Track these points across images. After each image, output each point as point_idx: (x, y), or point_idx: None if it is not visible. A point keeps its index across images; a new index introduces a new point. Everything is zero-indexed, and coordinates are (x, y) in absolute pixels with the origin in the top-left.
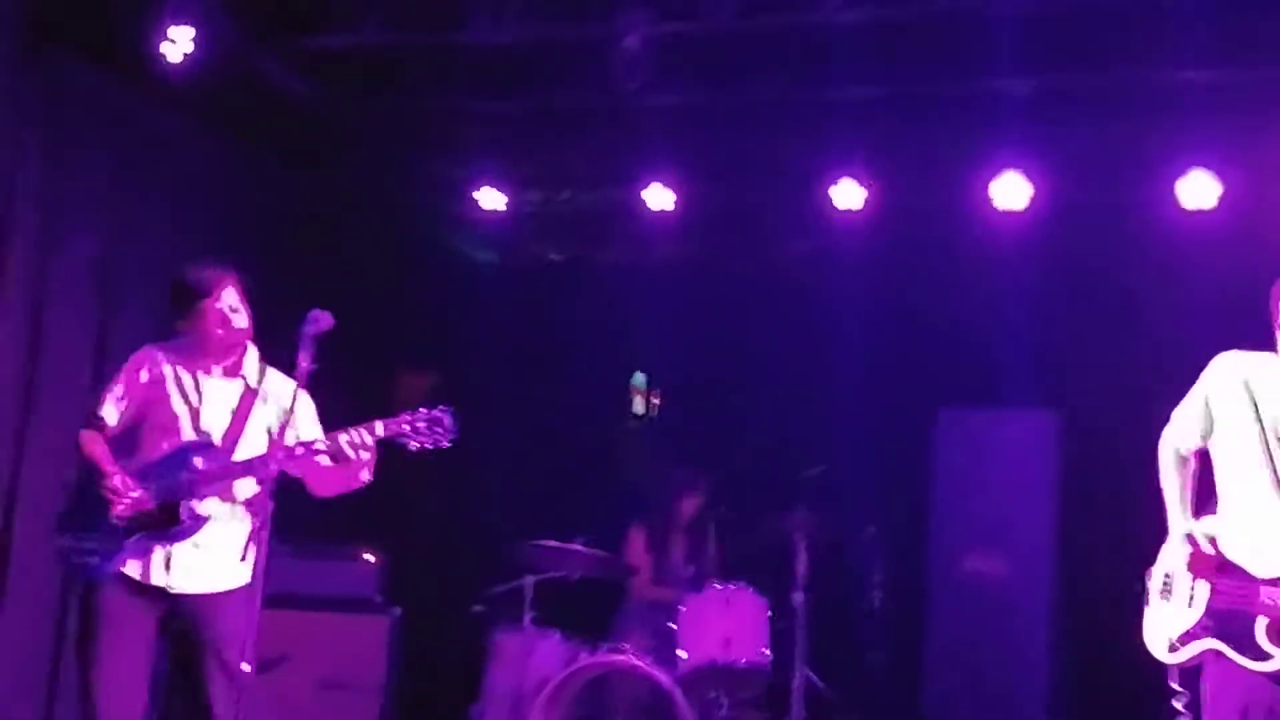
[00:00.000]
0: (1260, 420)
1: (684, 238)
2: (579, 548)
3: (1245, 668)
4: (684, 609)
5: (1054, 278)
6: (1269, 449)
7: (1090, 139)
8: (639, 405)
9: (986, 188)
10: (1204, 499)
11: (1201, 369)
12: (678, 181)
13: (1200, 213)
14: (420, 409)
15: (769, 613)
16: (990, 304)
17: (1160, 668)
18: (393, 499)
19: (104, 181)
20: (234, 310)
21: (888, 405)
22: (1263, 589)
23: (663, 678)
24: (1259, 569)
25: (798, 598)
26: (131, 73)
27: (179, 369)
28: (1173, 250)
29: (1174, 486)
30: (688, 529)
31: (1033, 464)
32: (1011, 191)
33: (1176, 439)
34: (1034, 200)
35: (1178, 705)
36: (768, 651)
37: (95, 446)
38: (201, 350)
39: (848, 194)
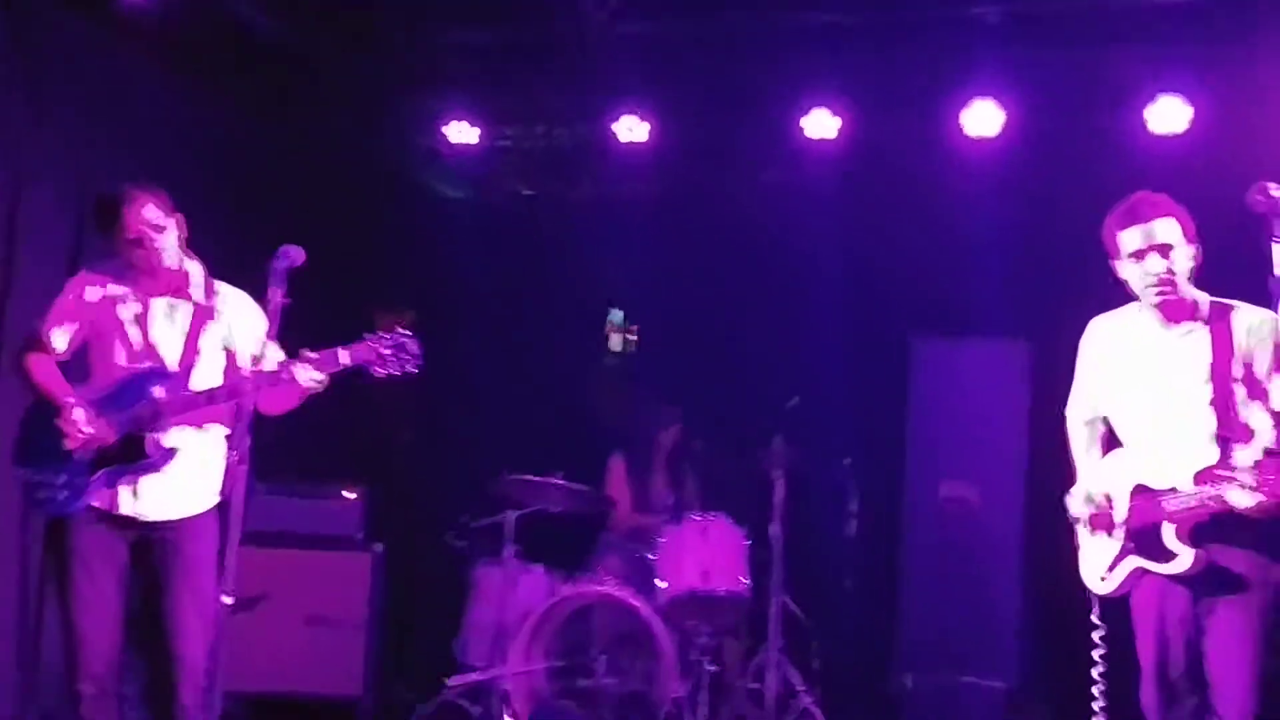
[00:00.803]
0: (1139, 368)
1: (657, 171)
2: (559, 481)
3: (1160, 577)
4: (663, 540)
5: (1026, 206)
6: (1152, 388)
7: (1061, 65)
8: (615, 343)
9: (958, 115)
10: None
11: None
12: (650, 113)
13: (1171, 138)
14: (381, 335)
15: (747, 542)
16: (963, 233)
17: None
18: (373, 436)
19: (72, 121)
20: (154, 228)
21: (862, 336)
22: (1163, 499)
23: (643, 608)
24: (1160, 483)
25: (775, 528)
26: (98, 12)
27: (121, 291)
28: (1143, 177)
29: (1079, 445)
30: (667, 461)
31: (1005, 393)
32: (983, 119)
33: (1075, 408)
34: (1006, 127)
35: (1096, 638)
36: (746, 580)
37: (47, 373)
38: (136, 271)
39: (820, 124)
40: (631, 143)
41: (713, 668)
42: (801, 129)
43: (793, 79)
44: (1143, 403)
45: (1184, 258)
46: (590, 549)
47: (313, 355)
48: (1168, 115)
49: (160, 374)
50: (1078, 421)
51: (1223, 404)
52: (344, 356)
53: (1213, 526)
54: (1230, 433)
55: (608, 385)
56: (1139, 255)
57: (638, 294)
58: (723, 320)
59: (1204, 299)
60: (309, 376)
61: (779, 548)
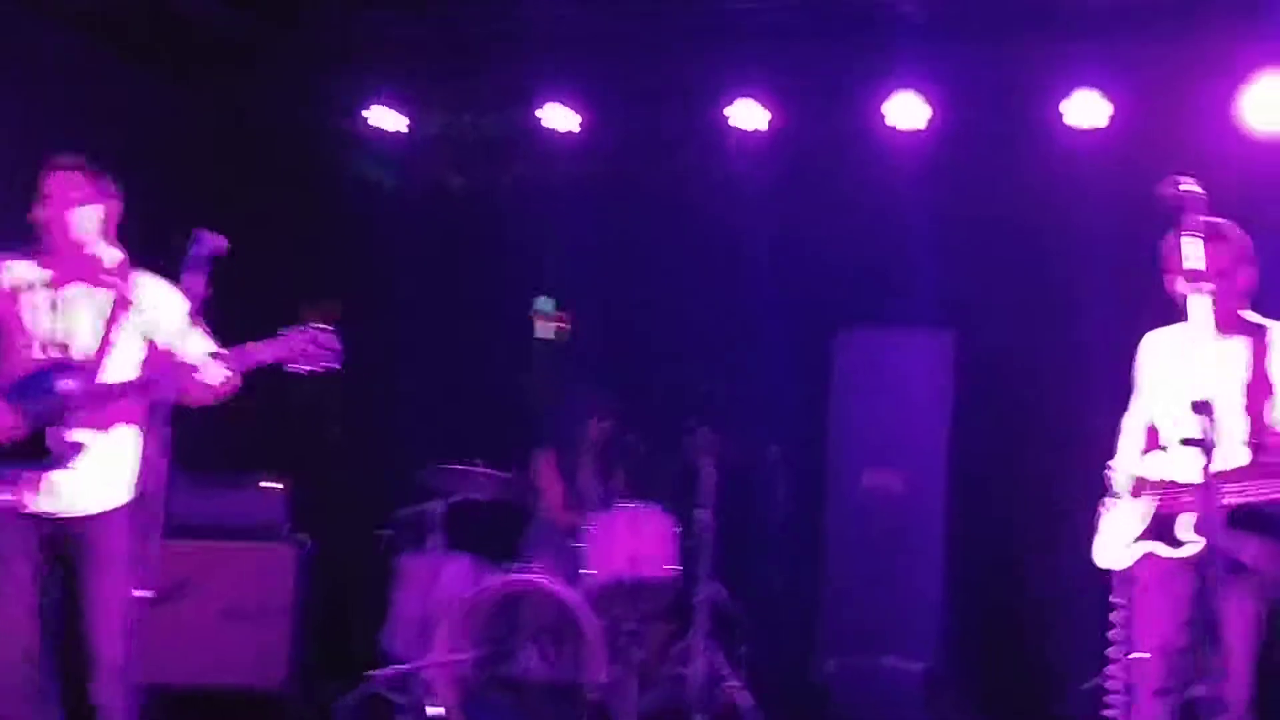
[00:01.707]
0: (1176, 382)
1: (586, 159)
2: (487, 470)
3: (1168, 560)
4: (592, 528)
5: (950, 198)
6: (1189, 393)
7: (985, 59)
8: (544, 330)
9: (883, 108)
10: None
11: (1092, 289)
12: (579, 101)
13: (1090, 132)
14: (298, 330)
15: (677, 530)
16: (888, 224)
17: (1047, 578)
18: (299, 426)
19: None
20: (69, 202)
21: (789, 324)
22: (1182, 494)
23: (569, 595)
24: (1182, 479)
25: (703, 516)
26: None
27: (35, 275)
28: (1064, 170)
29: (1126, 443)
30: (597, 452)
31: (928, 383)
32: (907, 111)
33: (1131, 416)
34: (930, 120)
35: (1116, 606)
36: (674, 568)
37: None
38: (55, 252)
39: (747, 114)
40: (562, 131)
41: (640, 654)
42: (728, 119)
43: (721, 69)
44: (1183, 409)
45: (1231, 282)
46: (518, 538)
47: (224, 352)
48: (1087, 109)
49: (67, 366)
50: (1131, 425)
51: (1255, 412)
52: (258, 353)
53: (1216, 518)
54: (1260, 439)
55: (537, 374)
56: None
57: (567, 282)
58: (651, 309)
59: (1251, 316)
60: (221, 373)
61: (707, 535)
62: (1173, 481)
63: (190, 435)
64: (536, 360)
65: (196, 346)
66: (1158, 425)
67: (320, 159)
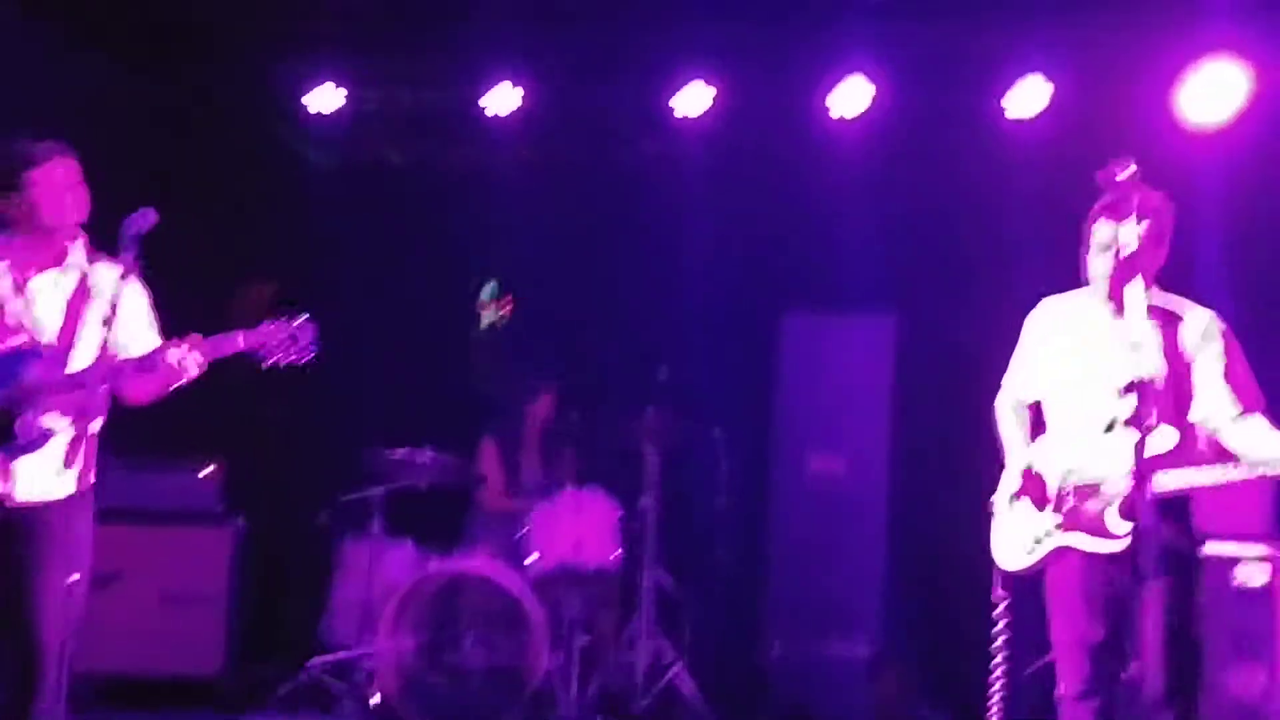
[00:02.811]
0: (1084, 354)
1: (528, 140)
2: (429, 455)
3: (1089, 556)
4: (535, 514)
5: (893, 182)
6: (1086, 372)
7: (928, 41)
8: (488, 314)
9: (827, 91)
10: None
11: (1030, 271)
12: (522, 81)
13: (1031, 120)
14: (278, 321)
15: (620, 514)
16: (831, 208)
17: (989, 561)
18: (235, 408)
19: None
20: (70, 188)
21: (733, 309)
22: (1104, 481)
23: (512, 582)
24: (1093, 470)
25: (647, 500)
26: None
27: (4, 264)
28: (1004, 154)
29: (1014, 429)
30: (540, 437)
31: (870, 366)
32: (851, 95)
33: (1014, 391)
34: (874, 103)
35: (1002, 608)
36: (619, 553)
37: None
38: (23, 237)
39: (691, 97)
40: (505, 111)
41: (584, 640)
42: (672, 103)
43: (665, 50)
44: (1083, 387)
45: (1145, 257)
46: (460, 524)
47: (200, 339)
48: (1029, 94)
49: (34, 353)
50: (1010, 402)
51: (1167, 393)
52: (232, 343)
53: (1150, 505)
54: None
55: (479, 358)
56: (1105, 247)
57: (509, 265)
58: (595, 292)
59: (1162, 298)
60: (194, 361)
61: (651, 519)
62: (1081, 470)
63: (122, 417)
64: (479, 344)
65: (149, 341)
66: (1051, 405)
67: (258, 136)
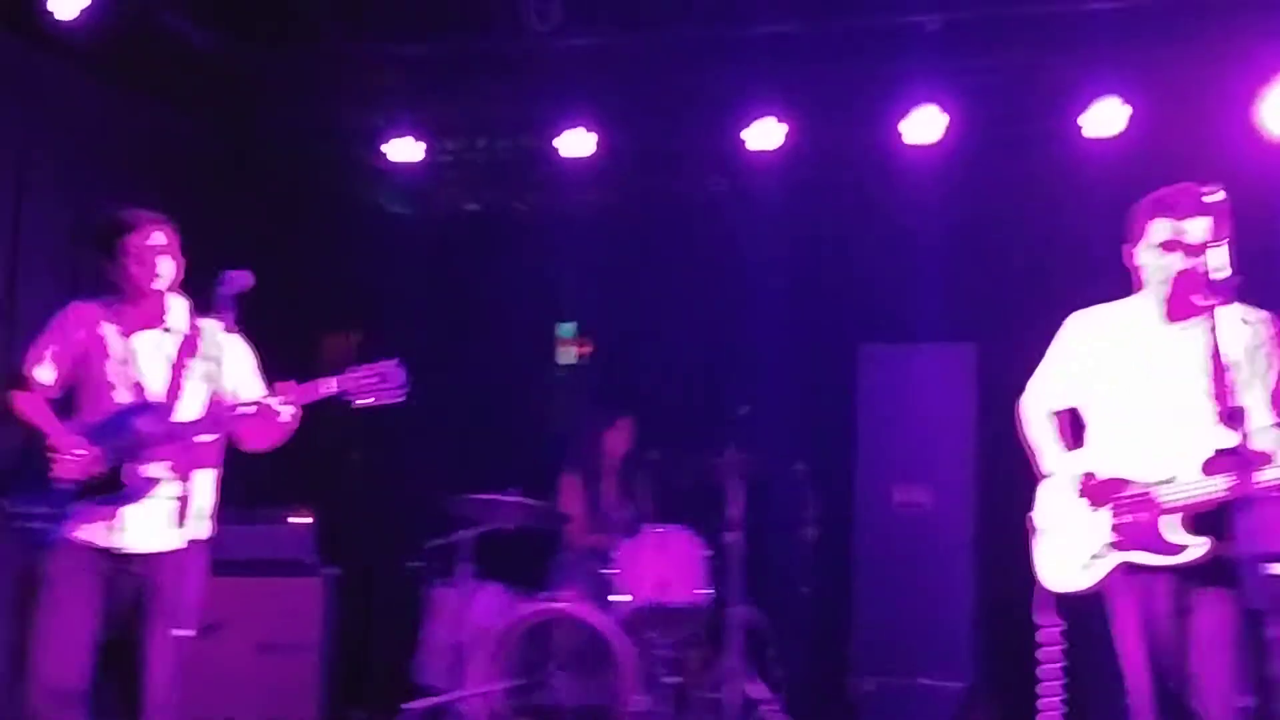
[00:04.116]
0: (1130, 361)
1: (603, 182)
2: (513, 498)
3: (1144, 571)
4: (621, 552)
5: (969, 210)
6: (1144, 382)
7: (1001, 71)
8: (566, 356)
9: (899, 123)
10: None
11: (1110, 294)
12: (595, 125)
13: (1109, 141)
14: (368, 364)
15: (705, 552)
16: (907, 239)
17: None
18: (322, 458)
19: (5, 143)
20: (160, 253)
21: (810, 342)
22: (1159, 490)
23: (601, 621)
24: (1148, 475)
25: (732, 537)
26: (28, 30)
27: (108, 324)
28: (1082, 178)
29: (1047, 435)
30: (620, 473)
31: (951, 396)
32: (924, 125)
33: (1044, 399)
34: (947, 133)
35: (1057, 634)
36: (705, 590)
37: (34, 406)
38: (127, 300)
39: (764, 133)
40: (577, 155)
41: (674, 679)
42: (745, 139)
43: (736, 89)
44: (1134, 396)
45: (1208, 259)
46: (547, 565)
47: (292, 385)
48: (1104, 118)
49: (145, 407)
50: (1042, 411)
51: (1221, 397)
52: (326, 387)
53: (1212, 515)
54: (1230, 424)
55: (560, 398)
56: (1167, 247)
57: (586, 306)
58: (672, 330)
59: (1206, 301)
60: (287, 409)
61: (737, 556)
62: (1128, 481)
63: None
64: (559, 385)
65: (256, 390)
66: (1096, 413)
67: (335, 189)
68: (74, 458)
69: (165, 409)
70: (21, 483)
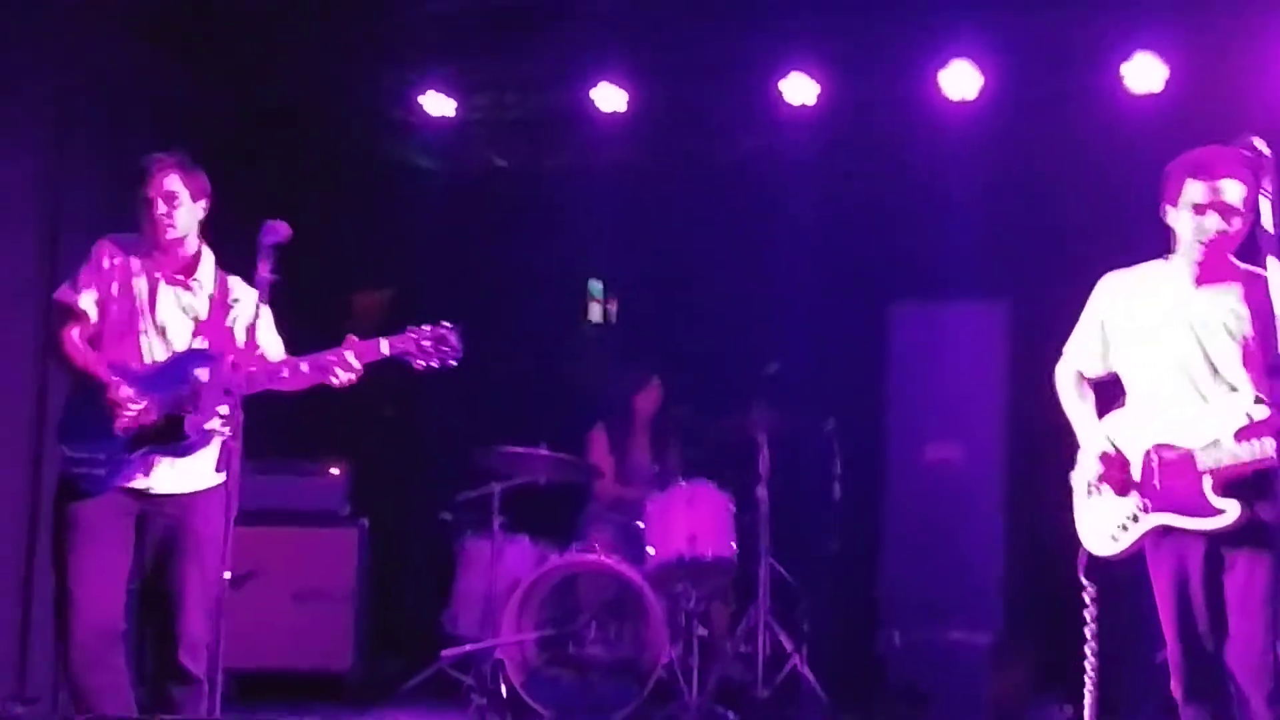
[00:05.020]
0: (1163, 323)
1: (633, 138)
2: (543, 452)
3: (1180, 534)
4: (650, 507)
5: (1003, 167)
6: (1175, 346)
7: (1038, 25)
8: (595, 313)
9: (935, 78)
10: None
11: (1145, 253)
12: (625, 81)
13: (1146, 97)
14: (426, 326)
15: (733, 507)
16: (939, 196)
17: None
18: (354, 411)
19: (43, 99)
20: (167, 197)
21: (841, 300)
22: (1198, 454)
23: (631, 574)
24: (1185, 441)
25: (760, 492)
26: None
27: (137, 267)
28: (1118, 136)
29: (1083, 403)
30: (649, 428)
31: (983, 354)
32: (960, 81)
33: (1078, 364)
34: (983, 89)
35: (1087, 598)
36: (733, 545)
37: (84, 351)
38: (155, 247)
39: (798, 88)
40: (609, 111)
41: (702, 632)
42: (779, 94)
43: (770, 44)
44: (1166, 359)
45: (1240, 222)
46: (576, 518)
47: (356, 342)
48: (1144, 73)
49: (205, 356)
50: (1074, 376)
51: (1255, 362)
52: (385, 348)
53: (1252, 478)
54: (1263, 391)
55: (589, 354)
56: (1200, 209)
57: (616, 263)
58: (702, 287)
59: (1238, 263)
60: (350, 365)
61: (765, 511)
62: (1169, 445)
63: (250, 422)
64: (589, 342)
65: (273, 347)
66: (1133, 377)
67: (367, 145)
68: (131, 412)
69: (222, 360)
70: (79, 429)
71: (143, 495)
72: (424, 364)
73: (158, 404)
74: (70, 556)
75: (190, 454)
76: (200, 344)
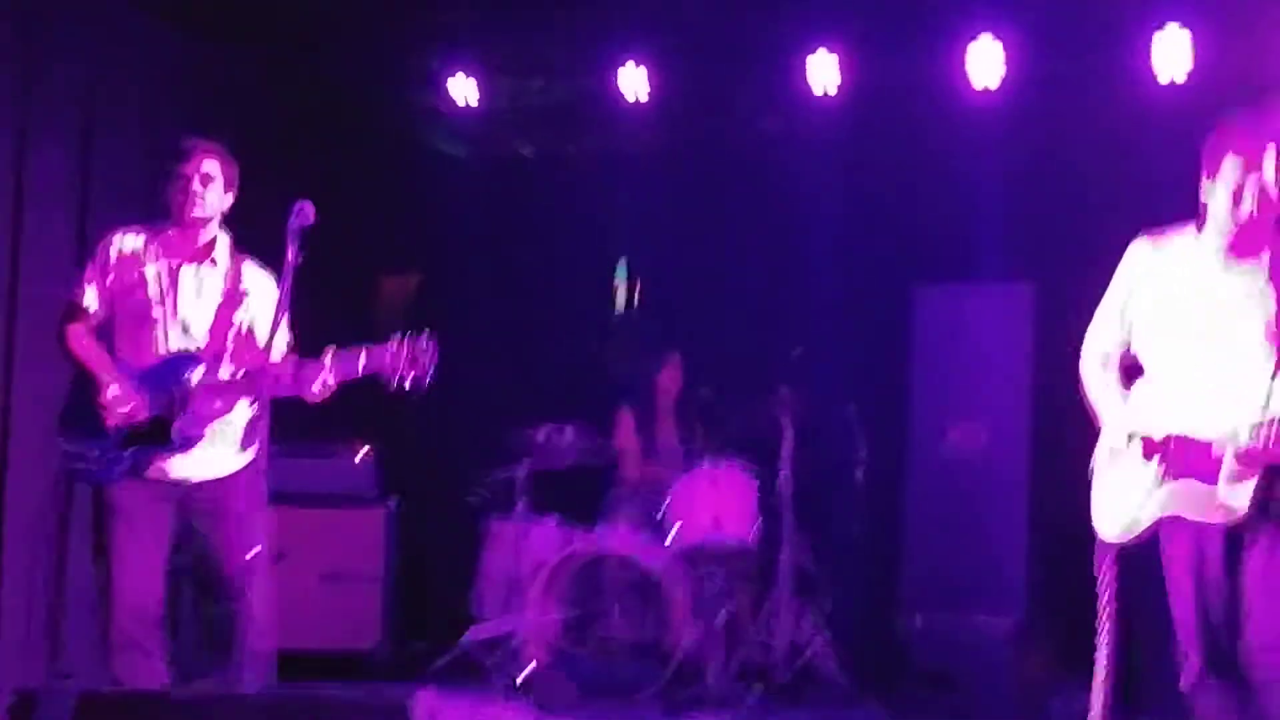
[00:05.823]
0: (1189, 302)
1: (658, 123)
2: (570, 434)
3: (1198, 527)
4: (675, 489)
5: (1027, 148)
6: (1195, 323)
7: (1063, 5)
8: (621, 296)
9: (960, 59)
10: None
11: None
12: (650, 65)
13: (1174, 74)
14: (402, 341)
15: (757, 490)
16: (963, 178)
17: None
18: (381, 393)
19: (75, 84)
20: (208, 181)
21: (864, 283)
22: (1213, 444)
23: (655, 557)
24: (1203, 430)
25: (783, 476)
26: None
27: (152, 252)
28: (1144, 116)
29: (1105, 387)
30: (674, 410)
31: (1007, 337)
32: (985, 61)
33: (1104, 343)
34: (1007, 69)
35: (1104, 583)
36: (757, 528)
37: (85, 346)
38: (174, 225)
39: (822, 70)
40: (633, 96)
41: (726, 615)
42: (803, 77)
43: (794, 27)
44: (1189, 341)
45: (1276, 198)
46: (602, 500)
47: (338, 352)
48: (1171, 54)
49: (195, 359)
50: (1100, 354)
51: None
52: (359, 363)
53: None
54: None
55: (615, 337)
56: (1238, 190)
57: (641, 246)
58: (727, 270)
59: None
60: (322, 383)
61: (788, 494)
62: (1185, 437)
63: (278, 404)
64: (614, 324)
65: (281, 336)
66: (1151, 358)
67: (392, 131)
68: (121, 413)
69: (212, 362)
70: (76, 422)
71: (183, 484)
72: (400, 379)
73: (147, 405)
74: (110, 542)
75: (175, 455)
76: (202, 340)
